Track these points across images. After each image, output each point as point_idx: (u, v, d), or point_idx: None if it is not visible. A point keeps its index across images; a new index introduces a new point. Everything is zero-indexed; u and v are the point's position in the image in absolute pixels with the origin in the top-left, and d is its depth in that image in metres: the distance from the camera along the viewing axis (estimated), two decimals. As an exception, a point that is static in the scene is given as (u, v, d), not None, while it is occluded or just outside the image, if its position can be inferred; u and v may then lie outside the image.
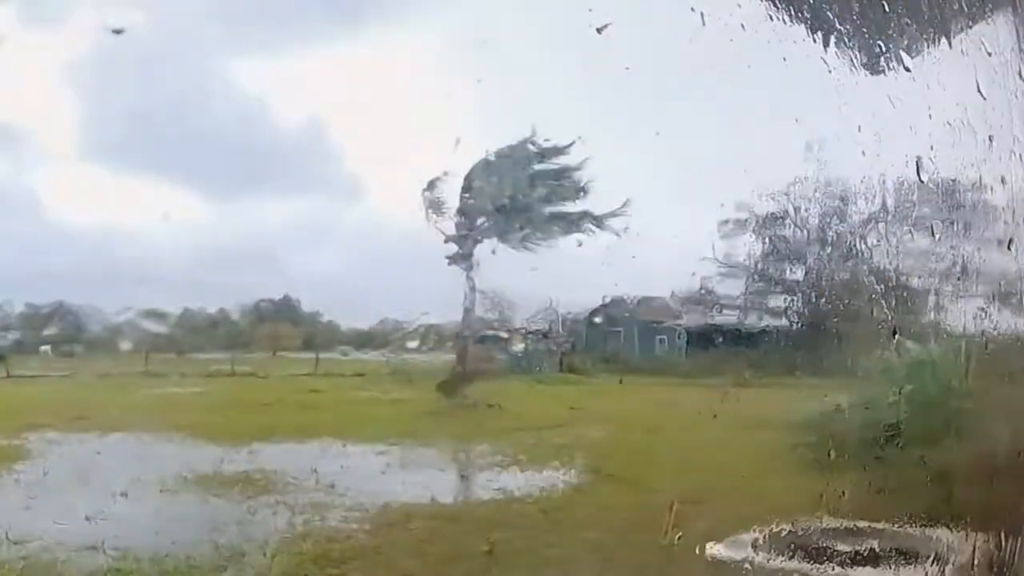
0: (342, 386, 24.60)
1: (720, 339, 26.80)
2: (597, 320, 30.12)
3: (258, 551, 8.32)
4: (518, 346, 28.84)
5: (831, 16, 1.96)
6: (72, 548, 8.17)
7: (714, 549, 4.92)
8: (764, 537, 4.98)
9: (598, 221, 20.89)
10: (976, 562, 2.08)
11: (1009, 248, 1.99)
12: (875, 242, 22.46)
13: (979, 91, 1.89)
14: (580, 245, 20.75)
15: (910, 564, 4.16)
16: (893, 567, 4.25)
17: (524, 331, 28.87)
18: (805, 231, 25.03)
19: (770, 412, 13.93)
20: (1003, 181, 1.95)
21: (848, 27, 1.95)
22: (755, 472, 10.30)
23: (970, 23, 1.84)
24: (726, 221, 24.57)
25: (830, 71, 1.96)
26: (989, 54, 1.80)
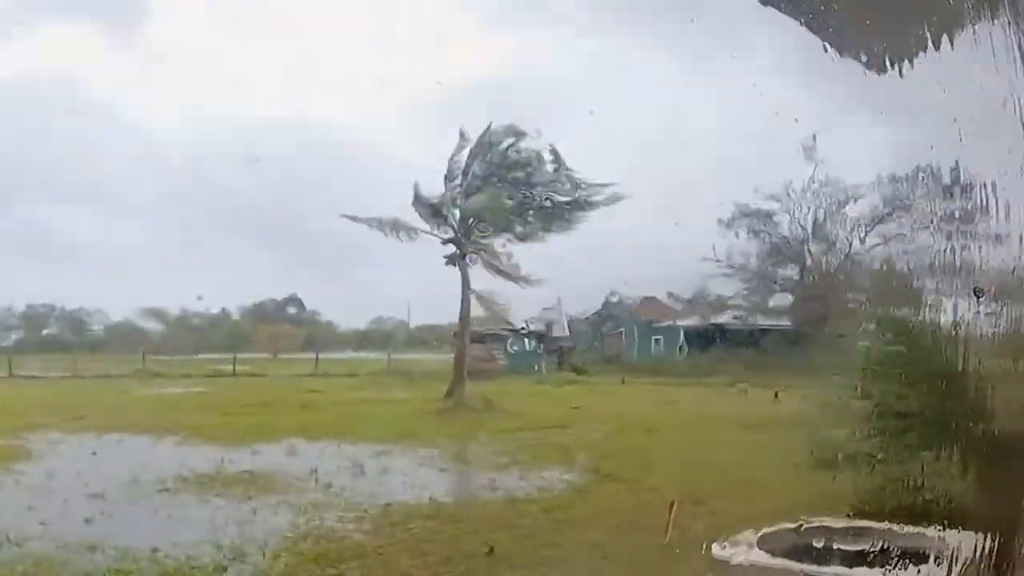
0: (342, 386, 24.64)
1: (720, 339, 26.85)
2: (597, 320, 30.18)
3: (258, 551, 8.31)
4: (518, 346, 28.90)
5: (831, 15, 1.97)
6: (72, 548, 8.16)
7: (715, 549, 4.91)
8: (764, 537, 4.98)
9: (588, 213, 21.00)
10: (977, 561, 2.08)
11: (1007, 246, 2.00)
12: (874, 241, 22.52)
13: (980, 90, 1.90)
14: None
15: (911, 564, 4.16)
16: (894, 567, 4.25)
17: (524, 331, 28.94)
18: (804, 231, 25.08)
19: (769, 411, 13.95)
20: (1004, 179, 1.96)
21: (848, 26, 1.95)
22: (755, 471, 10.30)
23: (972, 22, 1.84)
24: (725, 221, 24.67)
25: (830, 71, 1.96)
26: (992, 53, 1.81)
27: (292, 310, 30.35)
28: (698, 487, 9.87)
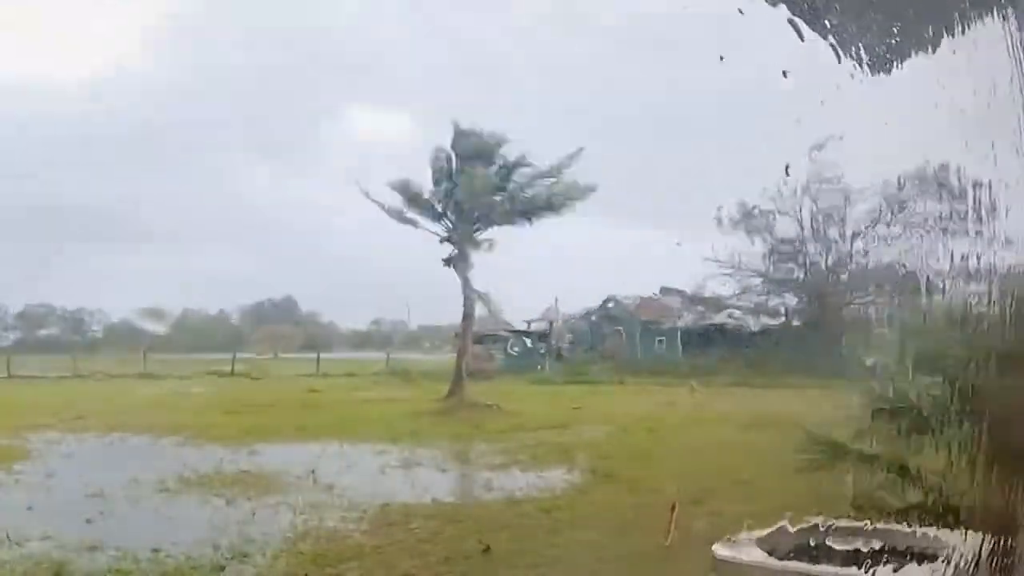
0: (342, 386, 24.65)
1: (719, 339, 26.85)
2: (597, 320, 30.18)
3: (258, 551, 8.30)
4: (519, 346, 28.91)
5: (832, 15, 1.97)
6: (72, 548, 8.16)
7: (714, 548, 4.90)
8: (764, 537, 4.97)
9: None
10: (976, 561, 2.08)
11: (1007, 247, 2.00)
12: (874, 242, 22.53)
13: (980, 90, 1.90)
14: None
15: (910, 564, 4.16)
16: (893, 567, 4.25)
17: (524, 331, 28.95)
18: (805, 231, 25.08)
19: (768, 412, 13.95)
20: (1004, 180, 1.96)
21: (850, 25, 1.95)
22: (755, 471, 10.30)
23: (972, 21, 1.85)
24: (725, 221, 24.68)
25: (830, 70, 1.96)
26: (992, 53, 1.81)
27: (292, 310, 30.39)
28: (698, 487, 9.86)
